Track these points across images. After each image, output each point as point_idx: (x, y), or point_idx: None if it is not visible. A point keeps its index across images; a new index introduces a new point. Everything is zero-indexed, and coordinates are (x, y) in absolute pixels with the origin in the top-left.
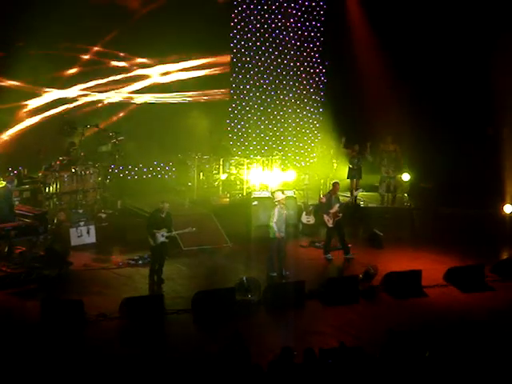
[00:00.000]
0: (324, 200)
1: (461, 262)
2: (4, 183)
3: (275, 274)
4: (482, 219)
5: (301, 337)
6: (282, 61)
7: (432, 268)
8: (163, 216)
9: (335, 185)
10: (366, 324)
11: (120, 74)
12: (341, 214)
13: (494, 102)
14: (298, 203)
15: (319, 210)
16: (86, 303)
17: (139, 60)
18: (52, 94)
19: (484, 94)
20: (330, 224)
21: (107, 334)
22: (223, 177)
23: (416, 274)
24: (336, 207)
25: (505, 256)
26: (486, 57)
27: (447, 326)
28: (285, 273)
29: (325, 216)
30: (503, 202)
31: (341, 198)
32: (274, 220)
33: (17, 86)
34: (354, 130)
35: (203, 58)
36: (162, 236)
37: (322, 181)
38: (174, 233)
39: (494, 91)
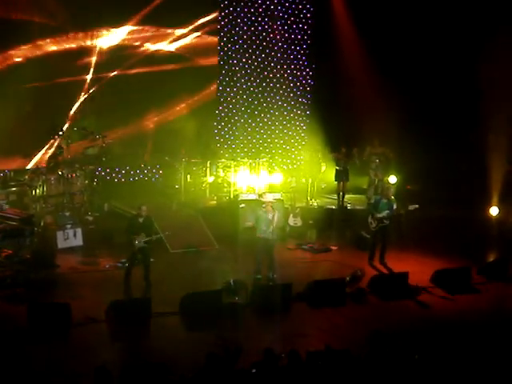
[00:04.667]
0: (372, 201)
1: (448, 264)
2: None
3: (260, 277)
4: (469, 221)
5: (288, 339)
6: (269, 63)
7: (419, 270)
8: (141, 221)
9: (389, 189)
10: (353, 326)
11: None
12: (387, 221)
13: (480, 106)
14: (285, 206)
15: (368, 211)
16: (73, 306)
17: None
18: None
19: (470, 98)
20: (373, 227)
21: (94, 337)
22: (210, 179)
23: (403, 277)
24: (384, 213)
25: (491, 258)
26: (472, 61)
27: (434, 327)
28: (272, 275)
29: (369, 218)
30: (490, 205)
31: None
32: (268, 221)
33: None
34: (341, 133)
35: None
36: (139, 241)
37: (309, 183)
38: (150, 238)
39: (479, 96)
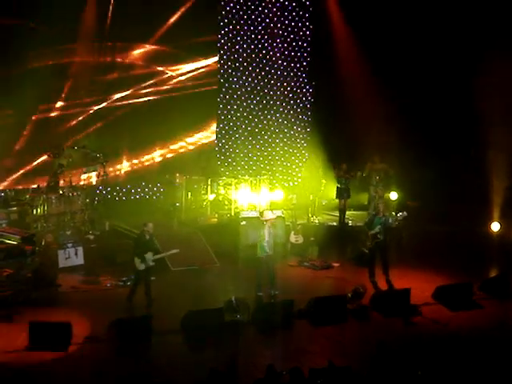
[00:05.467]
0: (366, 219)
1: (449, 281)
2: None
3: (262, 294)
4: (470, 237)
5: (290, 357)
6: (269, 81)
7: (420, 286)
8: (148, 238)
9: (380, 205)
10: (355, 343)
11: None
12: (381, 237)
13: (480, 123)
14: (287, 223)
15: (363, 230)
16: (74, 325)
17: None
18: None
19: (470, 115)
20: (368, 244)
21: (95, 356)
22: (211, 197)
23: (404, 293)
24: (376, 229)
25: (492, 274)
26: (472, 75)
27: (437, 344)
28: (273, 292)
29: (363, 235)
30: (491, 220)
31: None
32: (266, 239)
33: None
34: (341, 150)
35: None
36: (149, 260)
37: (310, 200)
38: (159, 255)
39: (479, 113)
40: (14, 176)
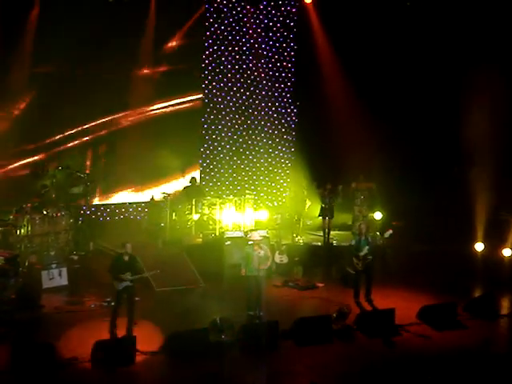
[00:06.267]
0: (353, 243)
1: (433, 300)
2: None
3: (252, 313)
4: (454, 257)
5: (274, 378)
6: (254, 101)
7: (405, 306)
8: (127, 259)
9: (361, 226)
10: (339, 364)
11: None
12: (370, 257)
13: (463, 142)
14: (271, 243)
15: (350, 252)
16: (58, 346)
17: None
18: None
19: (454, 134)
20: (359, 267)
21: (79, 378)
22: (196, 217)
23: (389, 313)
24: (365, 250)
25: (476, 294)
26: (455, 99)
27: (421, 364)
28: (259, 313)
29: (354, 259)
30: (474, 240)
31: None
32: (250, 259)
33: None
34: (326, 169)
35: (174, 98)
36: (126, 280)
37: (294, 220)
38: (138, 276)
39: (462, 132)
40: None
